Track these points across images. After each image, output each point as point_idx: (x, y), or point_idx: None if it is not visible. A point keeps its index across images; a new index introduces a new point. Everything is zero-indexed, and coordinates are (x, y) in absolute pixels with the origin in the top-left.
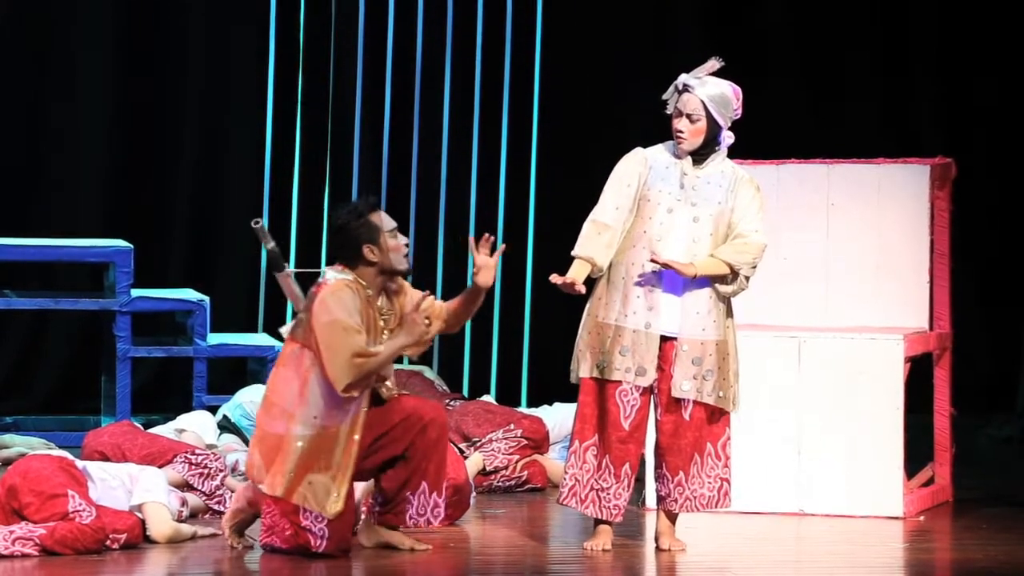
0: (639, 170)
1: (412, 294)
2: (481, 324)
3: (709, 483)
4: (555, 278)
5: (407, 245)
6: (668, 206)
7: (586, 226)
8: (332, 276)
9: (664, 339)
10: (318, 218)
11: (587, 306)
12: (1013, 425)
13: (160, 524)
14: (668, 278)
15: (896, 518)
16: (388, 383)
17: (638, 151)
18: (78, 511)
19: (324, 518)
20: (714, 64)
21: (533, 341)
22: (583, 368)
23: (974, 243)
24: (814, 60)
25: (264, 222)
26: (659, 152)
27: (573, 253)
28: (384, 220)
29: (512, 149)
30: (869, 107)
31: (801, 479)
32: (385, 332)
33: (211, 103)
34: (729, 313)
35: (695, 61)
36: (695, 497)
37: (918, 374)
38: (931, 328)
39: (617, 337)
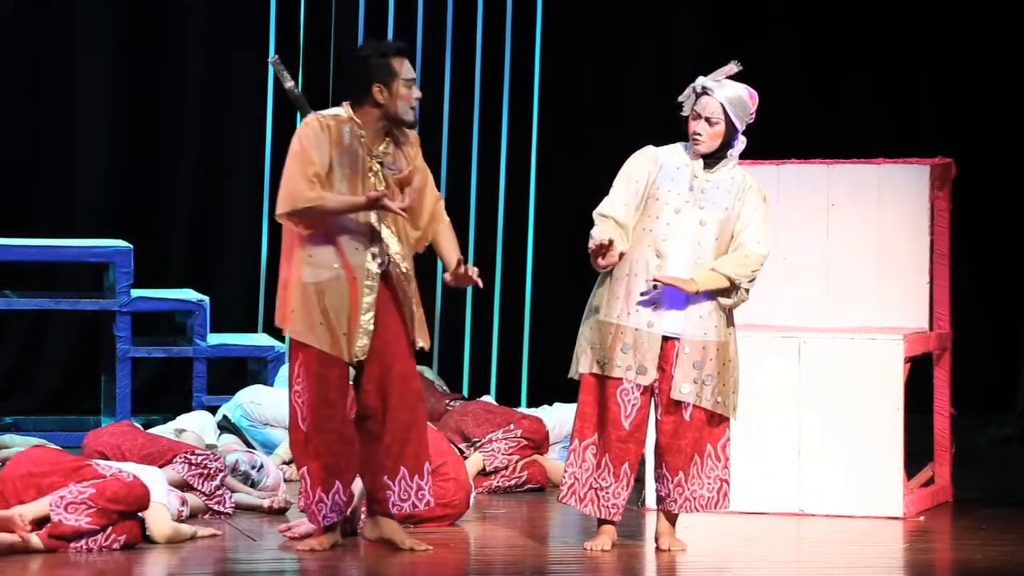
0: (649, 168)
1: (417, 161)
2: (481, 324)
3: (708, 484)
4: (593, 244)
5: (418, 99)
6: (676, 207)
7: (598, 220)
8: (324, 112)
9: (665, 339)
10: None
11: (589, 302)
12: (1013, 425)
13: (160, 524)
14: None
15: (896, 518)
16: (397, 255)
17: (649, 149)
18: (116, 474)
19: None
20: (732, 68)
21: (533, 341)
22: (583, 363)
23: (974, 243)
24: (815, 59)
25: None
26: (671, 152)
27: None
28: (404, 68)
29: (512, 149)
30: (869, 107)
31: (801, 479)
32: (377, 174)
33: (211, 103)
34: (730, 321)
35: (695, 59)
36: (694, 498)
37: (918, 374)
38: (931, 328)
39: (619, 335)
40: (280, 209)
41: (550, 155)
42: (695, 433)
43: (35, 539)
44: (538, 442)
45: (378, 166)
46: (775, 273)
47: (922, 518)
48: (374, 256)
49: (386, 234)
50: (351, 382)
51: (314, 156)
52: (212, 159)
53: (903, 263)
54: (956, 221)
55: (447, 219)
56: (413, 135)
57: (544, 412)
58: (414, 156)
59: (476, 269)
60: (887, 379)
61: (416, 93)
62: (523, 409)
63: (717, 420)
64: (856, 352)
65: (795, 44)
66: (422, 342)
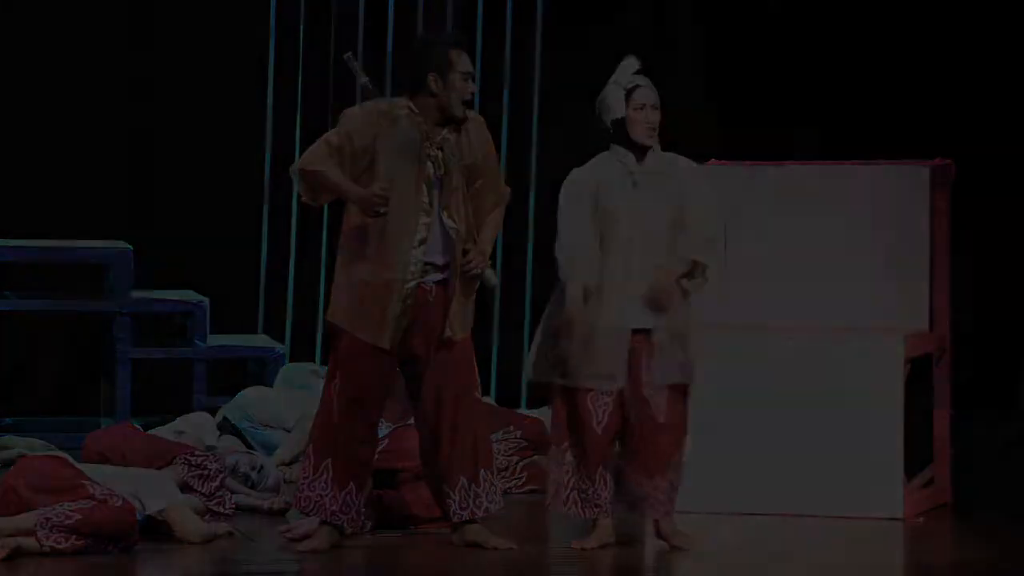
0: (586, 195)
1: (479, 158)
2: (481, 325)
3: (666, 487)
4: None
5: (472, 94)
6: (626, 209)
7: (568, 265)
8: (385, 100)
9: (635, 332)
10: (318, 219)
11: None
12: (1013, 425)
13: (192, 524)
14: (639, 275)
15: (895, 519)
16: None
17: (578, 175)
18: (106, 496)
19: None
20: (635, 63)
21: (533, 342)
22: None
23: (974, 243)
24: (814, 59)
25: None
26: (599, 164)
27: (576, 280)
28: (462, 60)
29: (511, 150)
30: (869, 108)
31: (800, 480)
32: (436, 160)
33: (211, 103)
34: (684, 294)
35: (694, 60)
36: (653, 499)
37: (918, 374)
38: (931, 328)
39: (588, 340)
40: (295, 164)
41: (551, 157)
42: (651, 438)
43: (30, 542)
44: (538, 443)
45: (438, 152)
46: (775, 273)
47: (921, 519)
48: (419, 252)
49: (449, 225)
50: (412, 393)
51: (346, 131)
52: (212, 159)
53: (903, 263)
54: (956, 221)
55: (499, 217)
56: (480, 120)
57: (544, 413)
58: (483, 142)
59: (476, 264)
60: (887, 379)
61: (471, 87)
62: (523, 410)
63: (675, 423)
64: (856, 352)
65: (795, 44)
66: (450, 332)
